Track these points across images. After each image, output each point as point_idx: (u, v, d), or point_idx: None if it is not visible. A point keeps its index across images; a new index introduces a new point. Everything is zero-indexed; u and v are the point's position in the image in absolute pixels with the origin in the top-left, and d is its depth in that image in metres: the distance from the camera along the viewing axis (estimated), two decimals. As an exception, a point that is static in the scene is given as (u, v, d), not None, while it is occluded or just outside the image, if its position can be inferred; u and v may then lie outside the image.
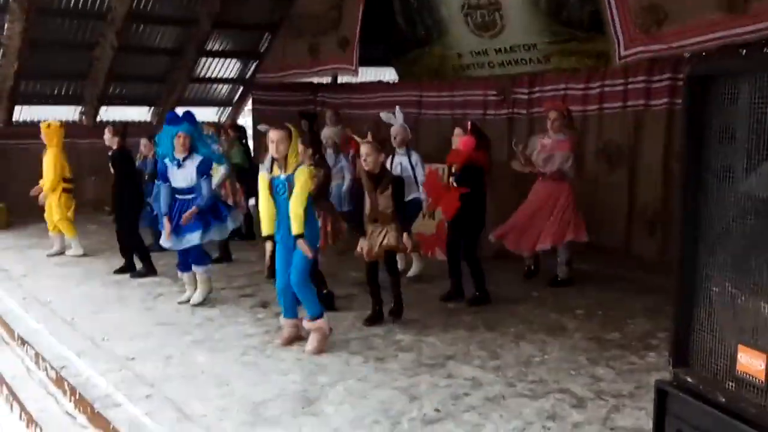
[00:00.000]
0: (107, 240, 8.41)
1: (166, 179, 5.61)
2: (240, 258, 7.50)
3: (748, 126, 2.08)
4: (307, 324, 4.62)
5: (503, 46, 8.88)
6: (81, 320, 5.37)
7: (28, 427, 4.25)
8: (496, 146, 7.53)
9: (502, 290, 6.11)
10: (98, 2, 9.87)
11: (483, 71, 9.33)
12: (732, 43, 6.12)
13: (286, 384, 4.03)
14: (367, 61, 10.41)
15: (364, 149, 4.95)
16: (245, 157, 8.45)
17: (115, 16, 9.92)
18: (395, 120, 6.26)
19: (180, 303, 5.81)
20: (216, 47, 11.53)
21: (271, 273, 5.51)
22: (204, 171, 5.66)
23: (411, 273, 6.56)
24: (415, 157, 6.27)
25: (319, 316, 4.58)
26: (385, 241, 4.97)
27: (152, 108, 11.88)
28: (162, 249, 6.18)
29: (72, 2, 9.74)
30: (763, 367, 2.02)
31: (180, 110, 6.00)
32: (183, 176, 5.59)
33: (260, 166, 7.62)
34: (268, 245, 4.62)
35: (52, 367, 4.53)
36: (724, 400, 2.14)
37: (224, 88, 12.52)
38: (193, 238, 5.62)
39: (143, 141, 8.00)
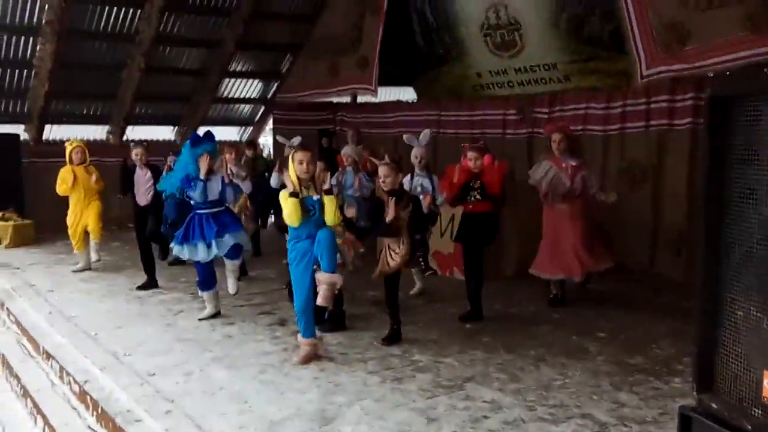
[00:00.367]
0: (130, 256, 8.53)
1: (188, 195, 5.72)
2: (258, 276, 7.54)
3: (771, 147, 2.05)
4: (299, 337, 4.78)
5: (523, 66, 8.88)
6: (104, 335, 5.43)
7: (50, 441, 4.31)
8: (516, 166, 7.55)
9: (521, 311, 6.06)
10: (127, 25, 10.11)
11: (502, 90, 9.34)
12: (756, 63, 6.06)
13: (303, 403, 4.02)
14: (386, 80, 10.49)
15: (382, 170, 4.98)
16: (266, 165, 8.61)
17: (143, 39, 10.14)
18: (416, 142, 6.25)
19: (200, 320, 5.85)
20: (239, 68, 11.72)
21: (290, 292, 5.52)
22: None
23: (413, 291, 6.52)
24: (435, 178, 6.28)
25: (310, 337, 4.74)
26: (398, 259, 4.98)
27: (176, 127, 12.06)
28: (181, 262, 6.25)
29: (102, 25, 9.99)
30: (790, 393, 1.98)
31: (201, 130, 6.11)
32: (210, 190, 5.69)
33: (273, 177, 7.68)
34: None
35: (75, 381, 4.58)
36: (750, 427, 2.10)
37: (246, 108, 12.70)
38: (230, 240, 5.71)
39: (170, 158, 8.11)
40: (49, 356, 5.17)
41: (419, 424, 3.71)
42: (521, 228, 7.05)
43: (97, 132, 11.21)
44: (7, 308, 6.53)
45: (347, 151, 7.52)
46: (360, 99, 11.58)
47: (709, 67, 6.66)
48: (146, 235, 7.04)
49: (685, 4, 6.80)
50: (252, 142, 9.93)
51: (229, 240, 5.69)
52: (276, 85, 12.30)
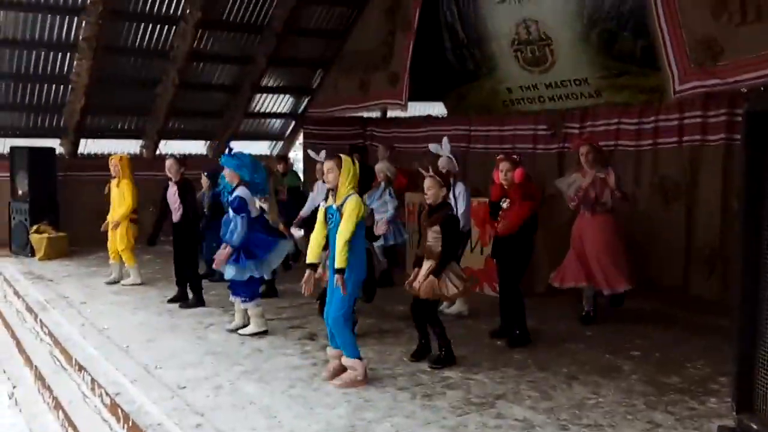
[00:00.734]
0: (162, 269, 8.65)
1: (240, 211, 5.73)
2: (288, 290, 7.56)
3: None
4: (343, 359, 4.62)
5: (553, 81, 8.84)
6: (135, 348, 5.50)
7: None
8: (547, 181, 7.50)
9: (553, 328, 5.98)
10: (162, 41, 10.33)
11: (533, 106, 9.29)
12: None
13: (332, 418, 4.01)
14: (416, 95, 10.51)
15: (426, 182, 4.91)
16: (297, 180, 8.63)
17: (177, 55, 10.34)
18: (443, 150, 6.22)
19: (228, 331, 5.88)
20: (270, 83, 11.86)
21: (321, 306, 5.53)
22: (237, 207, 5.71)
23: (449, 309, 6.36)
24: (459, 188, 6.17)
25: (356, 358, 4.58)
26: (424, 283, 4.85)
27: (208, 142, 12.24)
28: (223, 279, 6.30)
29: (137, 41, 10.22)
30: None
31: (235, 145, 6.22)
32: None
33: (310, 195, 7.75)
34: (308, 273, 4.66)
35: (107, 394, 4.62)
36: (791, 449, 2.04)
37: (277, 123, 12.84)
38: (229, 272, 5.73)
39: (204, 174, 8.20)
40: (81, 368, 5.23)
41: (450, 442, 3.68)
42: (552, 244, 6.98)
43: (131, 146, 11.42)
44: (40, 320, 6.64)
45: (380, 167, 7.55)
46: (390, 114, 11.63)
47: (743, 82, 6.56)
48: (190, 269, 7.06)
49: (718, 20, 6.72)
50: (283, 157, 10.00)
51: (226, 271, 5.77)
52: (307, 100, 12.42)
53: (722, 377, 4.68)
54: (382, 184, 7.35)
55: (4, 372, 6.23)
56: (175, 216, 7.08)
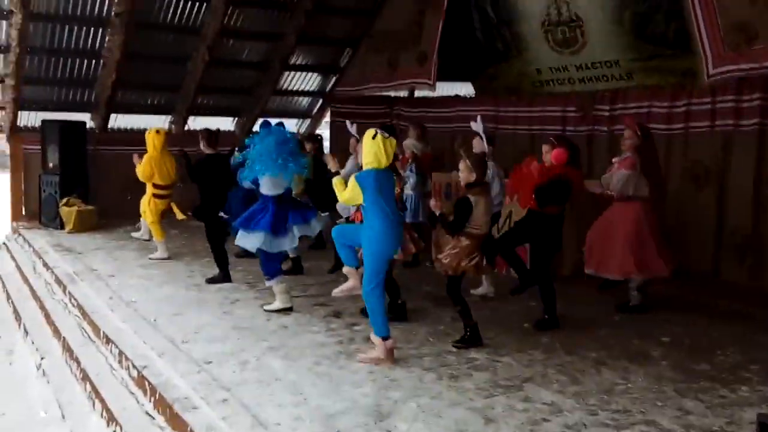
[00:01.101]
0: (188, 243, 8.73)
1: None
2: (313, 267, 7.58)
3: None
4: (371, 336, 4.63)
5: (584, 63, 8.70)
6: (163, 321, 5.55)
7: (108, 425, 4.40)
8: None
9: (580, 312, 5.92)
10: (193, 17, 10.31)
11: (563, 87, 9.16)
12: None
13: (358, 397, 4.02)
14: (445, 75, 10.39)
15: (460, 165, 4.95)
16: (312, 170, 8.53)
17: (208, 32, 10.33)
18: (478, 127, 6.08)
19: (267, 310, 5.88)
20: (299, 61, 11.82)
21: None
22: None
23: (475, 290, 6.33)
24: (492, 169, 6.12)
25: (384, 338, 4.55)
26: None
27: (236, 118, 12.27)
28: (251, 254, 6.31)
29: (169, 17, 10.21)
30: None
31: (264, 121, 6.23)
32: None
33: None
34: None
35: (134, 366, 4.68)
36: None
37: (305, 101, 12.81)
38: (240, 239, 5.84)
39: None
40: (108, 340, 5.29)
41: (477, 424, 3.66)
42: (578, 227, 6.88)
43: (160, 122, 11.47)
44: (69, 292, 6.73)
45: (407, 144, 7.51)
46: (417, 93, 11.53)
47: (778, 67, 6.39)
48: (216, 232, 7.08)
49: (753, 3, 6.56)
50: (313, 135, 9.84)
51: (315, 225, 5.98)
52: (334, 78, 12.36)
53: (753, 365, 4.61)
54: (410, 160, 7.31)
55: (33, 343, 6.33)
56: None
